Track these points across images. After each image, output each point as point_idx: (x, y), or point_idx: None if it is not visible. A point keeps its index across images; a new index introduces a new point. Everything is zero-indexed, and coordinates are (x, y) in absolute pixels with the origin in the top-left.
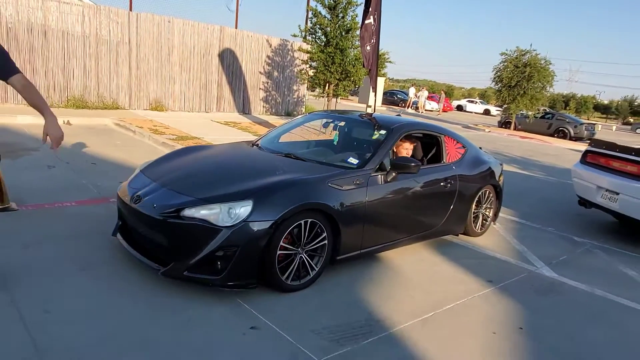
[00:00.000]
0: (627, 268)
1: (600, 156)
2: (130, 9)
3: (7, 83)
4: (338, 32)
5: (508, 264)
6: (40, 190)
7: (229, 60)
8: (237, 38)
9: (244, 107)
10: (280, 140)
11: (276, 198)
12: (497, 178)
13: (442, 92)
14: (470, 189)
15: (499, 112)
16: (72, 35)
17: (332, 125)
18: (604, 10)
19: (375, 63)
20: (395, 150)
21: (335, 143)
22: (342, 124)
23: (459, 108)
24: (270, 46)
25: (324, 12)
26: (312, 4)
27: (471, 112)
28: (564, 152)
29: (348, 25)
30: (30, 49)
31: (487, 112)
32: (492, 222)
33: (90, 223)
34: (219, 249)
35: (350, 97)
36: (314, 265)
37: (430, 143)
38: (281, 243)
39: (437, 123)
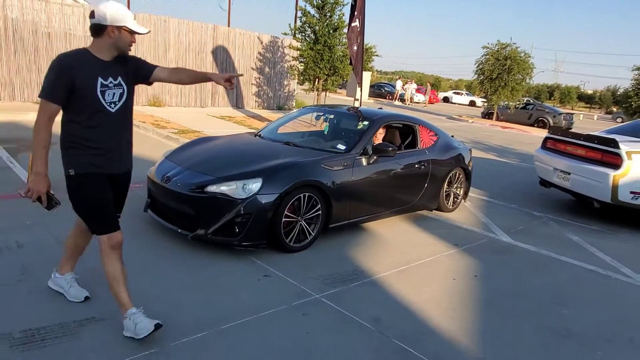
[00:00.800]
0: (572, 235)
1: (557, 142)
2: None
3: (151, 83)
4: (326, 30)
5: (473, 232)
6: (62, 180)
7: (222, 57)
8: (229, 36)
9: (237, 102)
10: (278, 131)
11: (280, 176)
12: (466, 162)
13: (428, 84)
14: (441, 171)
15: (484, 103)
16: (74, 35)
17: (322, 117)
18: (590, 1)
19: (361, 61)
20: (376, 137)
21: (325, 133)
22: (332, 116)
23: (445, 100)
24: (262, 43)
25: (312, 11)
26: (302, 3)
27: (457, 104)
28: (536, 142)
29: (335, 24)
30: (35, 49)
31: (472, 104)
32: (462, 200)
33: None
34: (236, 217)
35: (338, 91)
36: (311, 231)
37: (407, 132)
38: (285, 212)
39: (422, 115)
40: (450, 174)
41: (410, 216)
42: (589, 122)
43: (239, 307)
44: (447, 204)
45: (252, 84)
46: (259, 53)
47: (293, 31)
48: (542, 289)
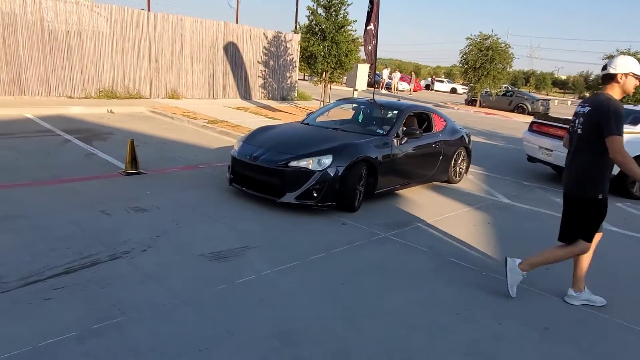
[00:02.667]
0: (554, 197)
1: (541, 125)
2: (148, 9)
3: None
4: (333, 27)
5: (480, 197)
6: (146, 162)
7: (231, 52)
8: (238, 32)
9: (245, 93)
10: (318, 120)
11: (345, 153)
12: (467, 142)
13: (413, 73)
14: (450, 150)
15: (465, 90)
16: (102, 34)
17: (357, 108)
18: None
19: (375, 59)
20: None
21: (360, 120)
22: (363, 107)
23: (427, 87)
24: (267, 38)
25: (320, 10)
26: (310, 4)
27: (439, 91)
28: (522, 126)
29: (341, 23)
30: (68, 48)
31: (454, 91)
32: (465, 174)
33: (198, 180)
34: (315, 184)
35: (341, 83)
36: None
37: (423, 118)
38: (347, 179)
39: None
40: (456, 152)
41: (428, 186)
42: (563, 107)
43: (334, 242)
44: (455, 176)
45: (258, 76)
46: (264, 47)
47: (301, 28)
48: (535, 231)
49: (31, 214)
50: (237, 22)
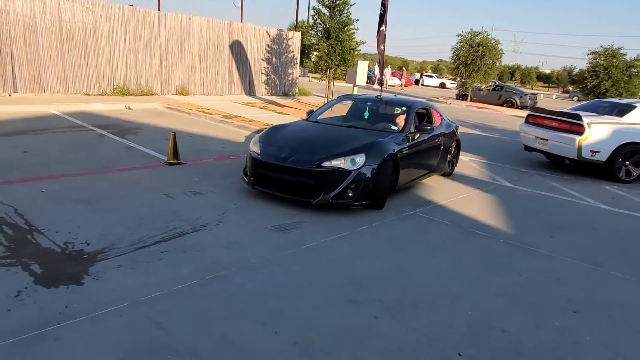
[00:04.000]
0: (552, 182)
1: (536, 117)
2: (159, 9)
3: None
4: (337, 26)
5: (485, 181)
6: (182, 154)
7: (236, 50)
8: (243, 30)
9: (250, 90)
10: (320, 117)
11: (375, 151)
12: (457, 135)
13: (403, 68)
14: (447, 142)
15: (454, 85)
16: (116, 33)
17: (360, 104)
18: None
19: (383, 57)
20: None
21: (367, 117)
22: (370, 104)
23: (416, 82)
24: (269, 36)
25: (324, 10)
26: (315, 4)
27: (428, 86)
28: (512, 119)
29: (345, 22)
30: (85, 46)
31: (442, 86)
32: (456, 165)
33: (234, 168)
34: (350, 183)
35: (343, 79)
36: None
37: (424, 114)
38: (379, 177)
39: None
40: (451, 145)
41: (438, 177)
42: (548, 101)
43: (371, 218)
44: (449, 168)
45: (262, 73)
46: (267, 45)
47: (306, 27)
48: (539, 209)
49: (104, 198)
50: (241, 21)
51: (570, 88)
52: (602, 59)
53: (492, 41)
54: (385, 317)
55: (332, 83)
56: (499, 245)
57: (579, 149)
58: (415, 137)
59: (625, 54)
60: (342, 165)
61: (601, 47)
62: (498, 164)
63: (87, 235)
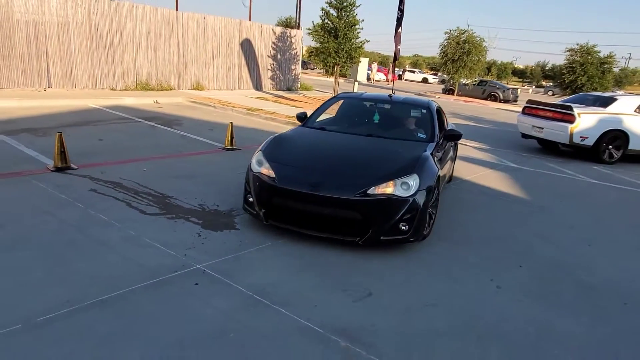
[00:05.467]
0: (549, 163)
1: (532, 109)
2: (177, 9)
3: None
4: (344, 26)
5: (494, 163)
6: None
7: (246, 47)
8: (251, 29)
9: (257, 85)
10: (318, 120)
11: (427, 170)
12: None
13: (391, 64)
14: (454, 147)
15: (435, 80)
16: (139, 32)
17: (362, 104)
18: None
19: (398, 56)
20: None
21: (377, 121)
22: (379, 105)
23: (399, 77)
24: (275, 34)
25: (332, 11)
26: (324, 6)
27: (410, 80)
28: (498, 112)
29: (352, 22)
30: (111, 45)
31: (425, 80)
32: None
33: None
34: (405, 214)
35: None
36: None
37: (441, 116)
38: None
39: (388, 92)
40: (454, 149)
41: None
42: (525, 95)
43: None
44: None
45: (268, 69)
46: (273, 43)
47: (315, 27)
48: (544, 183)
49: (198, 175)
50: (250, 20)
51: (544, 83)
52: (578, 55)
53: (477, 39)
54: (460, 249)
55: (338, 79)
56: (521, 207)
57: (571, 135)
58: (443, 146)
59: (599, 51)
60: (394, 192)
61: (577, 44)
62: (499, 149)
63: (212, 200)
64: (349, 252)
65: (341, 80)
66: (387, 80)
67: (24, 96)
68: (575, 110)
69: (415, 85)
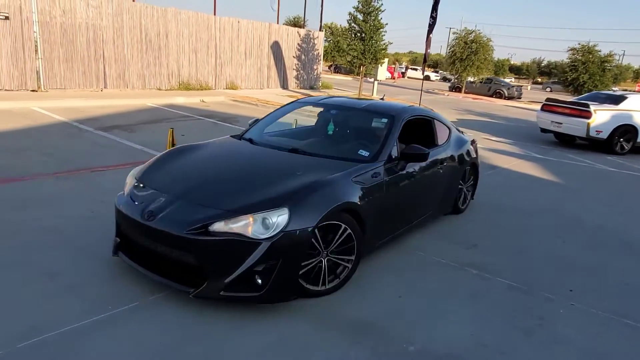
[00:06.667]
0: (568, 154)
1: (550, 106)
2: (215, 13)
3: None
4: (370, 29)
5: (522, 154)
6: None
7: (274, 49)
8: (279, 31)
9: (283, 84)
10: (266, 131)
11: (311, 202)
12: (475, 156)
13: (396, 62)
14: (457, 169)
15: (437, 78)
16: (182, 36)
17: (325, 113)
18: None
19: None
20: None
21: (330, 133)
22: (335, 112)
23: (402, 75)
24: (300, 36)
25: (359, 16)
26: (352, 10)
27: (412, 78)
28: (506, 108)
29: (377, 25)
30: (158, 48)
31: (427, 78)
32: (471, 199)
33: None
34: (258, 264)
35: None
36: (343, 265)
37: (421, 127)
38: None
39: (396, 90)
40: (464, 171)
41: (482, 147)
42: (525, 92)
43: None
44: (461, 204)
45: (293, 68)
46: (298, 44)
47: (344, 31)
48: (569, 170)
49: None
50: (277, 23)
51: (539, 79)
52: (580, 54)
53: (485, 38)
54: (511, 216)
55: (362, 78)
56: (559, 189)
57: (588, 129)
58: (399, 168)
59: (600, 50)
60: (243, 231)
61: (579, 44)
62: (520, 142)
63: None
64: None
65: (369, 79)
66: (392, 78)
67: (86, 96)
68: (592, 107)
69: (418, 83)
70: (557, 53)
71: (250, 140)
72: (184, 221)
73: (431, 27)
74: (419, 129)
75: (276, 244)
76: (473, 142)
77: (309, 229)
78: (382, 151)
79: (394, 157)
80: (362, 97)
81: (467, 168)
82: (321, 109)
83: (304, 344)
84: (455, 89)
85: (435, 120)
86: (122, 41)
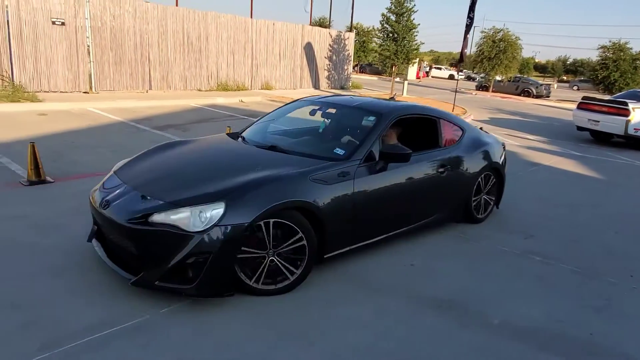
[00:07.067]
0: (607, 152)
1: (587, 104)
2: (251, 16)
3: None
4: (403, 30)
5: (562, 152)
6: None
7: (306, 50)
8: (312, 33)
9: (315, 84)
10: (271, 129)
11: (250, 197)
12: (499, 160)
13: (421, 62)
14: (468, 174)
15: (461, 77)
16: (221, 38)
17: (320, 111)
18: None
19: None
20: (391, 136)
21: (321, 131)
22: (333, 110)
23: (426, 74)
24: (331, 37)
25: (392, 17)
26: (384, 11)
27: (436, 77)
28: (537, 107)
29: (410, 26)
30: (199, 50)
31: (451, 77)
32: (495, 206)
33: None
34: (189, 257)
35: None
36: (293, 269)
37: (424, 126)
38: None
39: (421, 89)
40: (481, 177)
41: (522, 145)
42: (552, 90)
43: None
44: (478, 212)
45: (324, 69)
46: (329, 45)
47: (375, 31)
48: (609, 167)
49: None
50: (310, 24)
51: (565, 77)
52: (611, 52)
53: (513, 37)
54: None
55: (394, 78)
56: (602, 184)
57: (626, 127)
58: (377, 168)
59: (631, 48)
60: (179, 223)
61: (609, 41)
62: (558, 140)
63: None
64: None
65: (389, 78)
66: (417, 77)
67: (134, 97)
68: (630, 105)
69: (443, 82)
70: (583, 51)
71: (243, 138)
72: (128, 211)
73: (468, 27)
74: (422, 129)
75: (207, 237)
76: (499, 145)
77: (245, 225)
78: (357, 150)
79: (375, 156)
80: (363, 95)
81: (487, 174)
82: (319, 108)
83: (397, 315)
84: (482, 87)
85: (441, 120)
86: (166, 44)
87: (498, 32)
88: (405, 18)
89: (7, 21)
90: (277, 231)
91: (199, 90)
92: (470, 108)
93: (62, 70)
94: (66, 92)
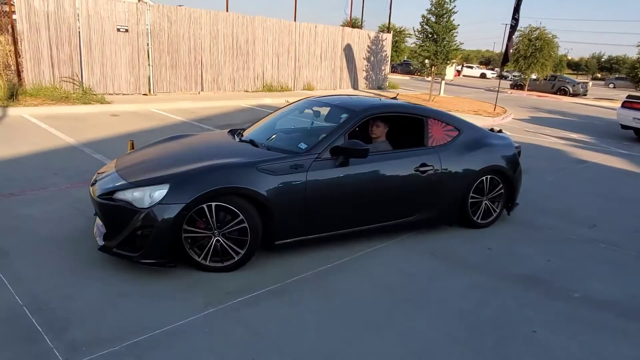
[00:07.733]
0: None
1: (632, 103)
2: (295, 20)
3: None
4: (443, 31)
5: (606, 150)
6: None
7: (346, 51)
8: (351, 34)
9: (354, 84)
10: (279, 126)
11: (192, 182)
12: (508, 164)
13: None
14: (460, 177)
15: (493, 75)
16: (267, 42)
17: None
18: None
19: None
20: (373, 132)
21: (308, 129)
22: (325, 110)
23: (458, 73)
24: (369, 38)
25: (432, 18)
26: (425, 12)
27: (468, 76)
28: (575, 106)
29: (450, 27)
30: (246, 53)
31: (483, 76)
32: (500, 213)
33: None
34: (137, 229)
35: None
36: (238, 249)
37: (409, 125)
38: (186, 226)
39: (456, 89)
40: (479, 181)
41: (565, 145)
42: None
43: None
44: (478, 217)
45: (363, 70)
46: (368, 46)
47: (416, 32)
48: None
49: None
50: (350, 26)
51: (599, 75)
52: None
53: (549, 35)
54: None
55: (433, 78)
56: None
57: None
58: (339, 164)
59: None
60: (130, 199)
61: None
62: (601, 138)
63: None
64: None
65: (428, 78)
66: (451, 78)
67: (189, 99)
68: None
69: (475, 81)
70: (618, 47)
71: (240, 134)
72: (102, 188)
73: (513, 28)
74: (407, 128)
75: (150, 213)
76: (509, 148)
77: (183, 205)
78: (318, 145)
79: (337, 152)
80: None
81: (491, 177)
82: (319, 106)
83: (489, 288)
84: (517, 86)
85: (430, 120)
86: (217, 48)
87: (534, 31)
88: (445, 19)
89: (79, 31)
90: (224, 214)
91: (246, 91)
92: (509, 107)
93: (125, 74)
94: (128, 94)
